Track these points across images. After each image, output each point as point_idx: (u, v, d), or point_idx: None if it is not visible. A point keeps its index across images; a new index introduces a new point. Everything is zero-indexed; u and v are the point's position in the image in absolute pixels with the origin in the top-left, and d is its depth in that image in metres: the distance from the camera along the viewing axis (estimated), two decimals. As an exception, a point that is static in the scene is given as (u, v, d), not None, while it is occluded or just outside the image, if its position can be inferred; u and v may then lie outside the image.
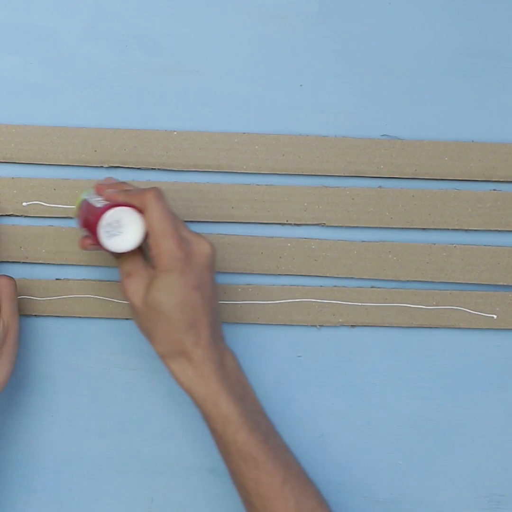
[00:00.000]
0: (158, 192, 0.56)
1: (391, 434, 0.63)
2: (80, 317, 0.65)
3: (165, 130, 0.65)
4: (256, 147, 0.65)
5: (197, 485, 0.64)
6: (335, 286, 0.66)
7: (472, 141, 0.65)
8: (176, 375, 0.57)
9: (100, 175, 0.65)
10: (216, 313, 0.58)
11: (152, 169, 0.65)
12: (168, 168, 0.65)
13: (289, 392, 0.65)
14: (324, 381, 0.65)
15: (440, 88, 0.66)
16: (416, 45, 0.67)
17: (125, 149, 0.65)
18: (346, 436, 0.64)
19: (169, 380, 0.65)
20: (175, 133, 0.65)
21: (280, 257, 0.65)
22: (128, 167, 0.65)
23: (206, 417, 0.57)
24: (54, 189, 0.65)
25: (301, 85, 0.66)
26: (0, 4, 0.66)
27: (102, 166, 0.65)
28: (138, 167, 0.65)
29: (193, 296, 0.56)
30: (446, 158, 0.65)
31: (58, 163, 0.65)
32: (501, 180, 0.65)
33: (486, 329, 0.65)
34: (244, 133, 0.65)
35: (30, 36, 0.66)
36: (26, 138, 0.65)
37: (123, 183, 0.60)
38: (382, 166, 0.65)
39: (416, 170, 0.65)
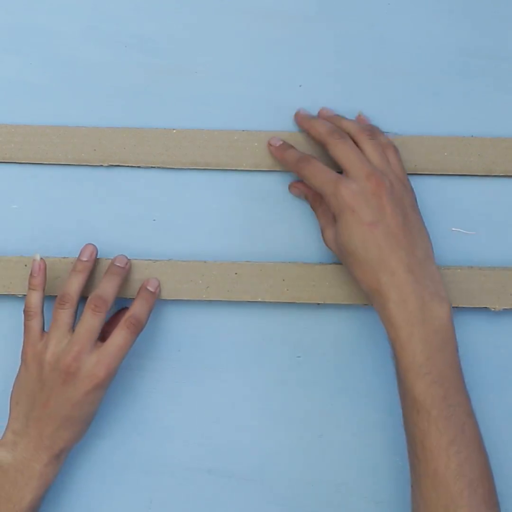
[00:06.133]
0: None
1: (391, 434, 0.62)
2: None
3: (164, 128, 0.65)
4: (256, 144, 0.65)
5: (197, 485, 0.64)
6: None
7: (472, 136, 0.65)
8: (376, 309, 0.57)
9: (100, 174, 0.65)
10: (418, 248, 0.57)
11: (152, 167, 0.65)
12: (168, 166, 0.65)
13: (289, 392, 0.65)
14: (324, 381, 0.65)
15: (440, 88, 0.66)
16: (416, 45, 0.67)
17: (124, 148, 0.65)
18: (346, 436, 0.64)
19: (169, 380, 0.65)
20: (174, 131, 0.65)
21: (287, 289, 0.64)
22: (128, 166, 0.65)
23: (394, 357, 0.56)
24: (54, 188, 0.65)
25: (300, 85, 0.66)
26: (0, 4, 0.66)
27: (101, 165, 0.65)
28: (138, 165, 0.65)
29: (370, 234, 0.56)
30: (445, 153, 0.64)
31: (58, 163, 0.65)
32: (500, 174, 0.65)
33: (485, 331, 0.65)
34: (243, 130, 0.65)
35: (30, 36, 0.66)
36: (26, 138, 0.65)
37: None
38: (382, 163, 0.65)
39: (416, 165, 0.64)
